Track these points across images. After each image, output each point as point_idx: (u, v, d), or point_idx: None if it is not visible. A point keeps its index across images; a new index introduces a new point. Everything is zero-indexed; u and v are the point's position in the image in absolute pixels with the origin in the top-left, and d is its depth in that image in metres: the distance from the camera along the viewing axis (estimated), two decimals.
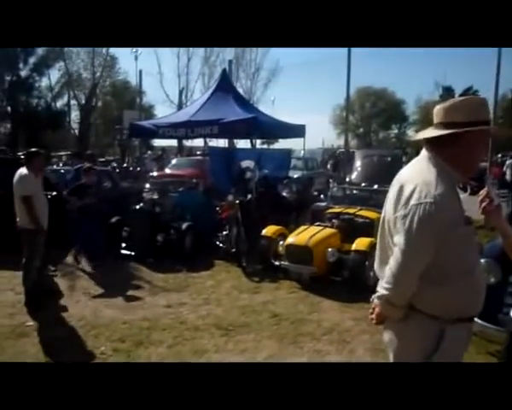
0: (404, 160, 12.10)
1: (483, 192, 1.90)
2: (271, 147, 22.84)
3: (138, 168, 15.63)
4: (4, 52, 24.75)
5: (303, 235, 6.15)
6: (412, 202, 1.74)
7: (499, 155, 19.50)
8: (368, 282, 5.61)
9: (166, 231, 7.29)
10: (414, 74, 64.30)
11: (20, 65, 27.89)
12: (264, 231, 6.65)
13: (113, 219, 7.47)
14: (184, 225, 7.24)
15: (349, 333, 4.54)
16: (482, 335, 3.73)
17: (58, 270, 6.62)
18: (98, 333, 4.53)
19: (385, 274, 1.87)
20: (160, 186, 9.54)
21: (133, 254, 7.22)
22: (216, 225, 7.86)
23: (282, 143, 19.84)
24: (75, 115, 32.51)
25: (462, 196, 1.89)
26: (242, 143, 17.58)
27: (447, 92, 38.43)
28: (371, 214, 6.58)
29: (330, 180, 15.24)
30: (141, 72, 19.69)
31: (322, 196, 9.99)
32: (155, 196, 8.24)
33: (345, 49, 10.49)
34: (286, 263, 6.12)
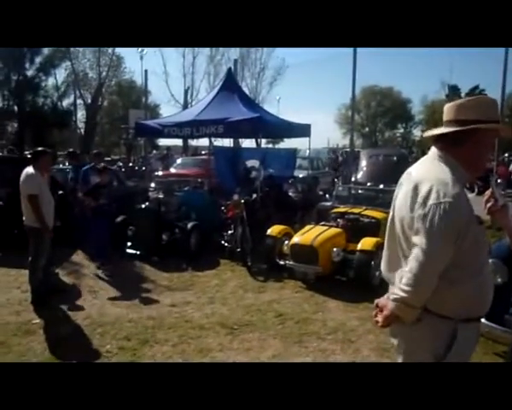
0: (409, 159, 12.06)
1: (488, 193, 1.89)
2: (277, 146, 22.83)
3: (144, 167, 15.69)
4: (11, 52, 24.91)
5: (308, 234, 6.14)
6: (430, 201, 1.72)
7: (506, 155, 19.39)
8: (373, 282, 5.61)
9: (172, 230, 7.32)
10: (420, 73, 64.20)
11: (27, 64, 28.05)
12: (269, 231, 6.65)
13: (119, 219, 7.49)
14: (190, 225, 7.26)
15: (354, 333, 4.53)
16: (489, 336, 3.72)
17: (64, 268, 6.66)
18: (104, 331, 4.55)
19: (396, 276, 1.85)
20: (166, 185, 9.58)
21: (138, 253, 7.24)
22: (221, 225, 7.87)
23: (288, 143, 19.89)
24: (81, 115, 32.65)
25: (470, 196, 1.88)
26: (247, 143, 17.60)
27: (453, 91, 38.26)
28: (377, 214, 6.57)
29: (336, 180, 15.23)
30: (146, 71, 19.71)
31: (327, 195, 9.98)
32: (161, 196, 8.27)
33: (350, 49, 10.46)
34: (291, 263, 6.12)
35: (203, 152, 21.41)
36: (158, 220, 7.35)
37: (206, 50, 34.22)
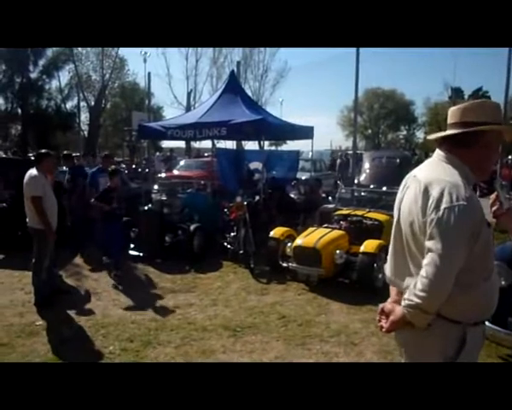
0: (412, 161, 12.02)
1: (493, 196, 1.88)
2: (279, 148, 22.84)
3: (147, 169, 15.72)
4: (14, 54, 25.05)
5: (311, 237, 6.13)
6: (444, 205, 1.68)
7: (509, 157, 19.32)
8: (376, 284, 5.59)
9: (174, 231, 7.33)
10: (422, 75, 64.02)
11: (30, 67, 28.20)
12: (271, 233, 6.65)
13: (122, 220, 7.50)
14: (192, 226, 7.26)
15: (357, 335, 4.52)
16: (492, 338, 3.70)
17: (67, 270, 6.67)
18: (107, 333, 4.56)
19: (405, 281, 1.83)
20: (169, 187, 9.59)
21: (141, 254, 7.26)
22: (224, 227, 7.87)
23: (291, 145, 19.91)
24: (85, 117, 32.74)
25: None
26: (250, 145, 17.62)
27: (456, 93, 38.17)
28: (380, 216, 6.56)
29: (338, 182, 15.21)
30: (149, 74, 19.85)
31: (330, 197, 9.97)
32: (164, 197, 8.28)
33: (353, 50, 10.43)
34: (294, 265, 6.11)
35: (206, 154, 21.46)
36: (161, 222, 7.37)
37: (209, 53, 34.36)
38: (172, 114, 40.54)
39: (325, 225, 6.62)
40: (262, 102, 33.34)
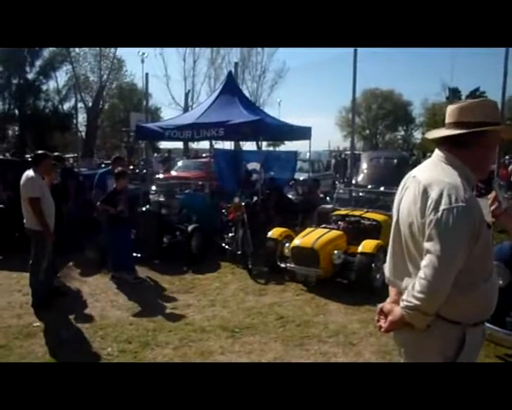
0: (410, 162, 12.03)
1: (492, 196, 1.88)
2: (277, 149, 22.84)
3: (145, 170, 15.69)
4: (11, 55, 24.99)
5: (309, 237, 6.13)
6: (442, 206, 1.67)
7: (507, 157, 19.38)
8: (374, 284, 5.59)
9: (172, 232, 7.31)
10: (420, 76, 64.26)
11: (27, 68, 28.16)
12: (269, 233, 6.64)
13: None
14: (190, 227, 7.25)
15: (355, 335, 4.52)
16: (491, 338, 3.71)
17: (65, 271, 6.66)
18: (105, 334, 4.55)
19: (404, 282, 1.83)
20: (167, 188, 9.57)
21: (139, 255, 7.24)
22: (222, 227, 7.87)
23: (289, 145, 19.89)
24: (82, 118, 32.64)
25: None
26: (248, 146, 17.60)
27: (454, 94, 38.27)
28: (378, 216, 6.57)
29: (336, 182, 15.23)
30: (147, 74, 19.71)
31: (328, 198, 9.97)
32: (162, 198, 8.27)
33: (351, 51, 10.42)
34: (292, 265, 6.11)
35: (204, 155, 21.45)
36: (159, 223, 7.35)
37: (207, 54, 34.40)
38: (170, 114, 40.58)
39: (323, 226, 6.62)
40: (260, 103, 33.40)
